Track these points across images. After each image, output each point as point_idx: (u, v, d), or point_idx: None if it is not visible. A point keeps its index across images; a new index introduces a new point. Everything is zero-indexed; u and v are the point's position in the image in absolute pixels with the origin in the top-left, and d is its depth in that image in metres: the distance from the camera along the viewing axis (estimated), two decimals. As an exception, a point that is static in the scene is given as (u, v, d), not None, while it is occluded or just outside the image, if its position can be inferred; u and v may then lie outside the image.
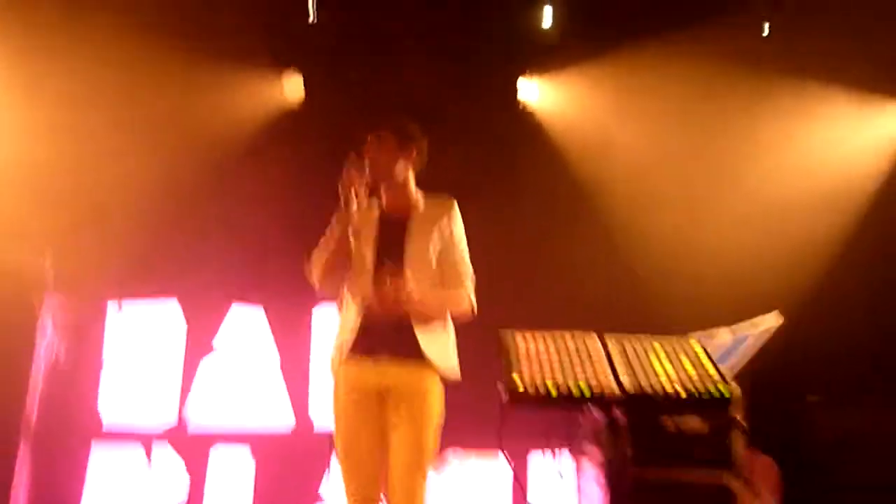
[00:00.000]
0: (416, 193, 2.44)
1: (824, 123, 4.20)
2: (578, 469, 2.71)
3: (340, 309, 2.41)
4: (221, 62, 4.18)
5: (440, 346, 2.29)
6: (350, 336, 2.28)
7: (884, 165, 4.26)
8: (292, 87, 4.37)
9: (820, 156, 4.22)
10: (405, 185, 2.42)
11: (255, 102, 4.29)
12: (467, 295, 2.32)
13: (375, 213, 2.40)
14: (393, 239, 2.35)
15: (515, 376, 1.79)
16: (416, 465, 2.18)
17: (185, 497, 3.81)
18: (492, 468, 3.75)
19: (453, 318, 2.32)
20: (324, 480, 3.86)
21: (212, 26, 4.06)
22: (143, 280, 4.01)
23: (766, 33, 4.20)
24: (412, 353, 2.23)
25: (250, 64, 4.30)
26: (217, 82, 4.16)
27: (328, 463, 3.86)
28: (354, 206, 2.30)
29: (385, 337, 2.24)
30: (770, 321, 2.43)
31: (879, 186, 4.20)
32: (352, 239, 2.30)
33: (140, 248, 3.95)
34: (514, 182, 3.88)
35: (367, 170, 2.34)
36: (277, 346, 4.02)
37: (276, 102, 4.33)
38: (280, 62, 4.36)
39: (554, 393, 1.74)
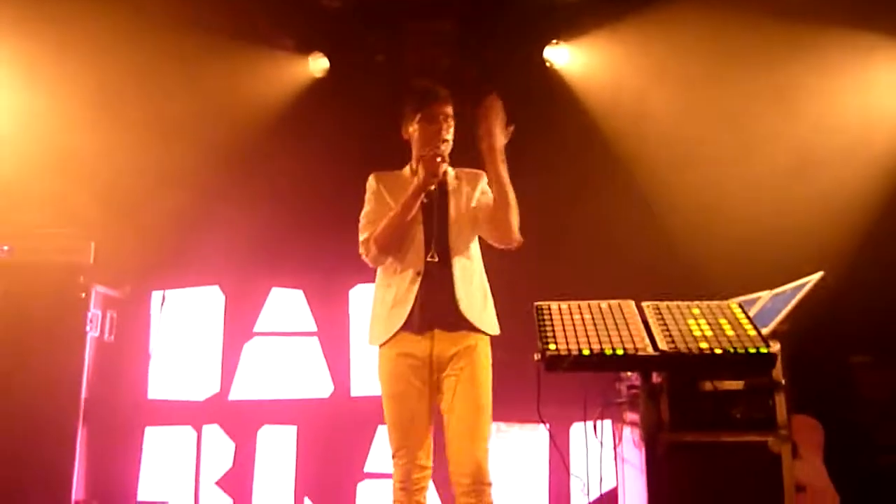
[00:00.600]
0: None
1: (861, 76, 4.04)
2: (619, 438, 2.72)
3: (381, 282, 2.51)
4: (248, 45, 4.23)
5: (481, 308, 2.42)
6: (400, 309, 2.38)
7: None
8: (318, 66, 4.40)
9: (857, 110, 4.06)
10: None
11: (281, 84, 4.33)
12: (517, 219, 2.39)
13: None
14: (436, 208, 2.44)
15: (551, 342, 1.80)
16: (478, 427, 2.30)
17: (230, 464, 3.91)
18: (533, 438, 3.78)
19: (505, 237, 2.40)
20: (369, 458, 3.94)
21: (237, 9, 4.11)
22: (184, 269, 4.11)
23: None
24: (460, 323, 2.36)
25: (275, 45, 4.34)
26: (245, 65, 4.21)
27: (372, 438, 3.94)
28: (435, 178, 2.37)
29: (435, 310, 2.36)
30: (814, 280, 2.37)
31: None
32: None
33: (179, 237, 4.05)
34: (545, 149, 3.85)
35: (444, 141, 2.43)
36: (317, 325, 4.09)
37: (302, 82, 4.36)
38: (305, 42, 4.39)
39: (587, 352, 1.74)
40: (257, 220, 4.11)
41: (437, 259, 2.39)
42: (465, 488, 2.26)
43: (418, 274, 2.39)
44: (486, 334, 2.42)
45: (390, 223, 2.41)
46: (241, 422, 3.97)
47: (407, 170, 2.61)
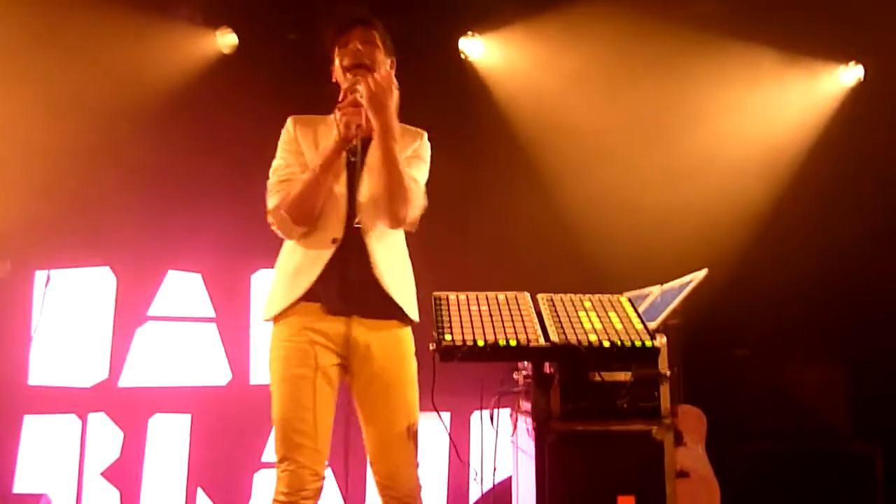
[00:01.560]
0: None
1: (761, 86, 4.30)
2: (515, 426, 2.77)
3: (287, 247, 2.09)
4: (153, 15, 4.01)
5: (408, 291, 2.03)
6: (302, 278, 1.97)
7: (815, 129, 4.39)
8: (226, 42, 4.23)
9: (755, 118, 4.33)
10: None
11: (187, 58, 4.14)
12: (416, 202, 2.03)
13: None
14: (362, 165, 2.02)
15: (447, 332, 1.80)
16: (413, 436, 1.97)
17: (118, 454, 3.74)
18: (432, 428, 3.80)
19: (397, 216, 2.01)
20: (267, 448, 3.85)
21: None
22: (72, 247, 3.87)
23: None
24: (385, 307, 1.97)
25: (183, 18, 4.14)
26: (148, 36, 3.99)
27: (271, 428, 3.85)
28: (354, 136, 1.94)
29: (355, 289, 1.95)
30: (699, 277, 2.49)
31: (810, 148, 4.34)
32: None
33: (67, 214, 3.81)
34: (455, 139, 3.87)
35: (359, 85, 1.97)
36: (216, 311, 3.95)
37: (208, 59, 4.19)
38: (214, 17, 4.21)
39: (481, 344, 1.76)
40: (154, 199, 3.93)
41: (362, 225, 2.00)
42: (398, 502, 1.96)
43: (334, 241, 1.97)
44: (411, 322, 2.03)
45: (305, 188, 1.96)
46: (131, 410, 3.79)
47: (332, 118, 2.09)
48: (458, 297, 1.99)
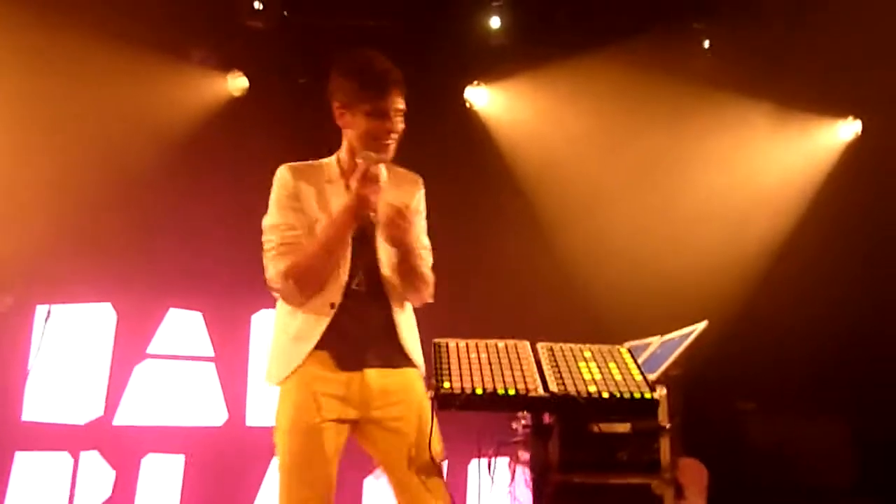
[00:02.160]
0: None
1: (759, 140, 4.36)
2: (513, 475, 2.73)
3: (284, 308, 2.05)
4: (166, 59, 4.10)
5: (416, 338, 2.05)
6: (303, 345, 1.96)
7: (814, 181, 4.44)
8: (236, 87, 4.32)
9: (755, 171, 4.38)
10: None
11: (197, 101, 4.21)
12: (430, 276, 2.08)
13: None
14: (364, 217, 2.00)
15: (445, 380, 1.79)
16: (442, 484, 1.95)
17: (109, 494, 3.68)
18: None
19: (423, 300, 2.08)
20: (261, 491, 3.79)
21: (154, 22, 3.99)
22: (75, 284, 3.88)
23: (706, 46, 4.34)
24: (396, 357, 1.99)
25: (195, 62, 4.23)
26: (161, 79, 4.07)
27: (266, 470, 3.80)
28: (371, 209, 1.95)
29: (363, 344, 1.97)
30: (700, 329, 2.49)
31: (811, 199, 4.37)
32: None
33: (71, 250, 3.83)
34: (457, 187, 3.92)
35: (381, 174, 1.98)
36: (215, 350, 3.93)
37: (218, 102, 4.27)
38: (225, 60, 4.31)
39: (479, 392, 1.74)
40: (158, 237, 3.95)
41: (363, 288, 2.00)
42: None
43: (332, 306, 1.97)
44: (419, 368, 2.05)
45: (316, 261, 1.96)
46: (125, 449, 3.75)
47: (333, 163, 2.12)
48: (457, 344, 1.98)
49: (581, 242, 4.05)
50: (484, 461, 2.73)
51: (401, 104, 2.04)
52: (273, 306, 4.00)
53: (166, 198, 4.00)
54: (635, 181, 4.21)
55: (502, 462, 2.78)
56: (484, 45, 4.40)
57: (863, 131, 4.48)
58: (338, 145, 2.17)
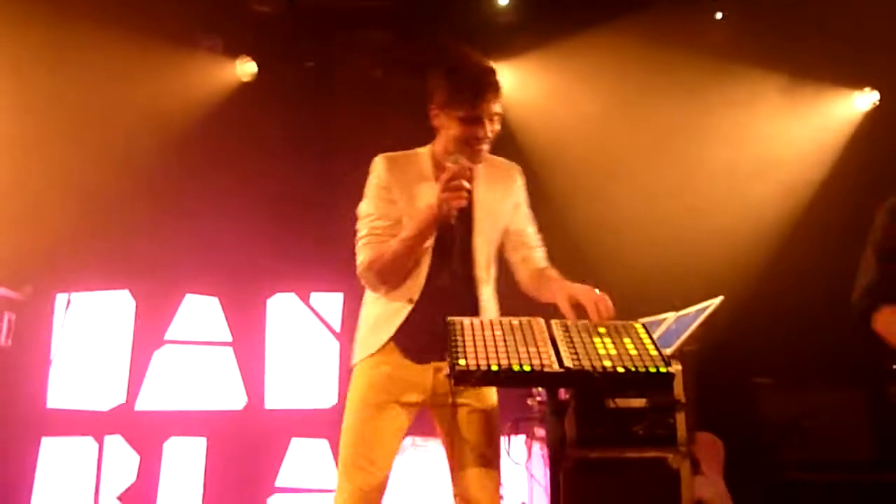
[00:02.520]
0: None
1: (775, 111, 4.30)
2: (529, 453, 2.75)
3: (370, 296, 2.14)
4: (175, 45, 4.11)
5: None
6: (385, 336, 2.06)
7: (831, 153, 4.38)
8: (245, 73, 4.32)
9: (770, 143, 4.32)
10: None
11: (207, 86, 4.23)
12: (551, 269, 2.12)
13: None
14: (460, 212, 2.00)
15: (461, 357, 1.80)
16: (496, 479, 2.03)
17: (134, 478, 3.75)
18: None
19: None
20: (281, 472, 3.85)
21: (162, 9, 3.99)
22: (92, 271, 3.93)
23: (718, 17, 4.28)
24: None
25: (203, 47, 4.24)
26: (170, 65, 4.09)
27: (285, 452, 3.86)
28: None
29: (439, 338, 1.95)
30: (715, 304, 2.48)
31: (827, 172, 4.32)
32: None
33: (88, 238, 3.87)
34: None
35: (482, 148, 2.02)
36: (233, 335, 3.97)
37: (229, 85, 4.27)
38: (234, 46, 4.31)
39: (495, 368, 1.75)
40: (173, 224, 3.98)
41: (447, 284, 2.07)
42: None
43: (410, 301, 2.05)
44: None
45: (397, 259, 2.02)
46: (147, 433, 3.81)
47: (426, 156, 2.14)
48: (472, 322, 1.98)
49: (594, 220, 4.03)
50: (501, 439, 2.74)
51: (496, 108, 2.07)
52: (290, 290, 4.03)
53: (180, 184, 4.03)
54: (649, 157, 4.18)
55: (519, 440, 2.80)
56: (492, 22, 4.36)
57: (880, 101, 4.40)
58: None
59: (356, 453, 2.02)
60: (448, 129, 2.07)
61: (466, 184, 1.94)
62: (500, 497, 2.08)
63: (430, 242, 2.05)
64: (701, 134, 4.24)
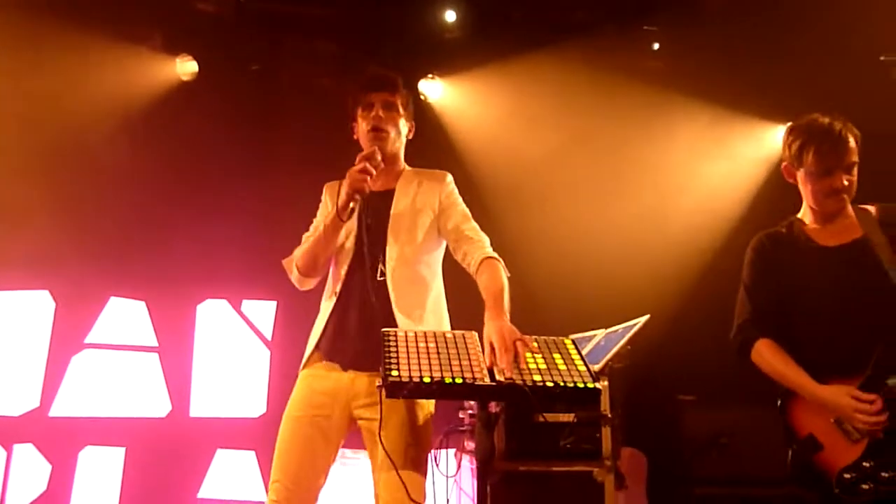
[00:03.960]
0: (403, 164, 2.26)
1: (706, 140, 4.48)
2: (459, 465, 2.76)
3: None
4: (112, 38, 3.97)
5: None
6: (313, 334, 2.12)
7: (755, 184, 4.59)
8: (186, 69, 4.22)
9: (700, 171, 4.50)
10: (397, 155, 2.24)
11: (143, 83, 4.10)
12: (497, 258, 2.13)
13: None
14: (378, 214, 2.11)
15: (394, 369, 1.79)
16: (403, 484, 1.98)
17: (44, 488, 3.57)
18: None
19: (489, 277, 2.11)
20: (204, 483, 3.73)
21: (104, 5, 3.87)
22: (12, 270, 3.73)
23: (655, 48, 4.45)
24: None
25: (142, 43, 4.11)
26: (106, 59, 3.94)
27: (210, 462, 3.75)
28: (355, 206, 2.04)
29: (359, 342, 2.05)
30: (642, 322, 2.56)
31: (751, 201, 4.52)
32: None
33: (8, 236, 3.68)
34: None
35: (377, 154, 2.07)
36: (158, 340, 3.84)
37: (167, 86, 4.16)
38: (174, 43, 4.20)
39: (427, 380, 1.75)
40: (99, 223, 3.83)
41: (383, 277, 2.10)
42: None
43: (334, 294, 2.12)
44: None
45: (310, 248, 2.14)
46: (61, 441, 3.63)
47: None
48: (406, 333, 1.98)
49: (527, 236, 4.09)
50: (431, 453, 2.74)
51: (386, 97, 2.17)
52: (221, 297, 3.93)
53: (109, 182, 3.88)
54: (583, 178, 4.29)
55: (449, 453, 2.80)
56: (439, 38, 4.41)
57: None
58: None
59: (275, 466, 2.04)
60: (360, 133, 2.21)
61: (370, 166, 2.03)
62: None
63: (349, 243, 2.13)
64: (635, 158, 4.38)
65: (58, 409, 3.66)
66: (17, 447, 3.58)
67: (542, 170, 4.23)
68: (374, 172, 2.04)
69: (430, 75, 4.45)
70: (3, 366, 3.66)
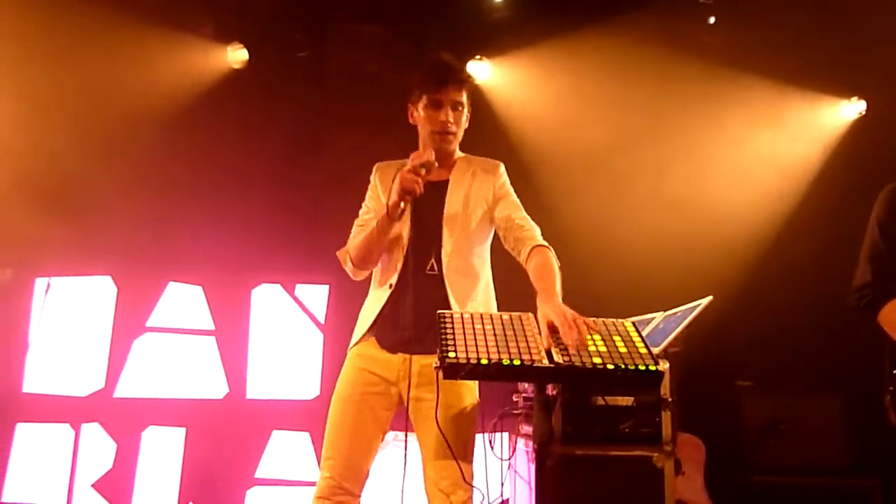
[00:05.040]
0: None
1: (764, 116, 4.33)
2: (513, 449, 2.74)
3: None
4: (165, 29, 4.05)
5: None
6: (364, 320, 2.17)
7: (818, 159, 4.42)
8: (237, 58, 4.27)
9: (758, 148, 4.35)
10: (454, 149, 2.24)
11: (196, 72, 4.17)
12: (548, 247, 2.14)
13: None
14: (432, 206, 2.15)
15: (451, 350, 1.79)
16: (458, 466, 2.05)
17: (110, 466, 3.70)
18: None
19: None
20: (261, 463, 3.82)
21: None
22: (76, 257, 3.87)
23: (711, 21, 4.31)
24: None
25: (193, 32, 4.18)
26: (159, 50, 4.03)
27: (266, 443, 3.83)
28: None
29: (411, 329, 2.09)
30: (704, 304, 2.49)
31: (814, 178, 4.36)
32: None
33: (71, 223, 3.81)
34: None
35: (433, 164, 2.08)
36: (215, 324, 3.93)
37: (218, 73, 4.22)
38: (225, 32, 4.26)
39: (485, 362, 1.74)
40: (158, 210, 3.94)
41: (436, 271, 2.14)
42: None
43: (390, 286, 2.15)
44: None
45: (363, 243, 2.17)
46: (125, 421, 3.76)
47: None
48: (462, 315, 1.98)
49: (583, 217, 4.03)
50: (485, 436, 2.74)
51: (460, 97, 2.18)
52: (275, 281, 4.00)
53: (167, 171, 3.98)
54: (639, 157, 4.19)
55: (502, 437, 2.79)
56: (487, 19, 4.36)
57: (867, 111, 4.45)
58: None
59: (327, 443, 2.12)
60: (420, 123, 2.22)
61: (424, 171, 2.06)
62: (469, 492, 2.08)
63: (404, 235, 2.15)
64: (692, 135, 4.26)
65: (122, 391, 3.79)
66: (84, 426, 3.72)
67: (593, 150, 4.14)
68: (427, 175, 2.07)
69: (477, 57, 4.40)
70: (70, 348, 3.80)
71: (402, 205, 2.08)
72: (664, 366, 1.99)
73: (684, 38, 4.17)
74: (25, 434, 3.69)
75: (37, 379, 3.75)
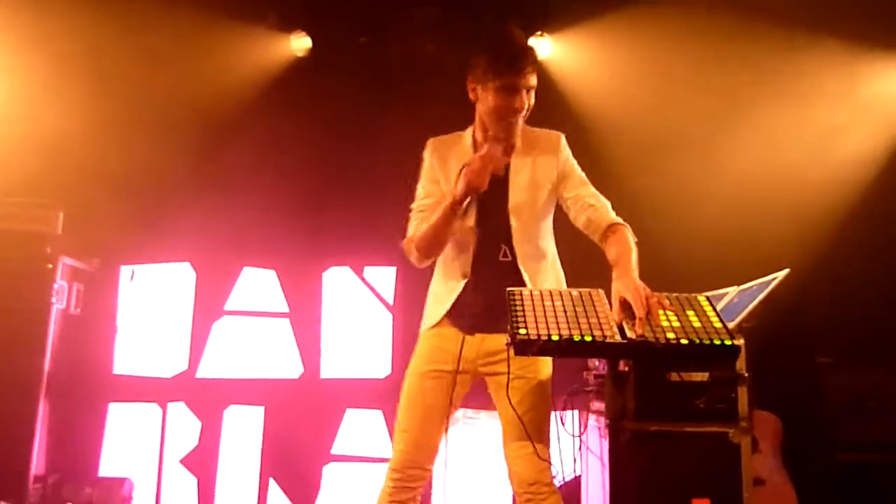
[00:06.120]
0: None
1: (840, 81, 4.12)
2: (584, 426, 2.75)
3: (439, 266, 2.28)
4: (229, 20, 4.17)
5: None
6: (442, 310, 2.20)
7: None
8: (300, 45, 4.36)
9: (835, 115, 4.15)
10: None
11: (262, 61, 4.28)
12: (623, 223, 2.14)
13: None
14: (496, 192, 2.11)
15: (521, 327, 1.80)
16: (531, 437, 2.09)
17: (196, 443, 3.88)
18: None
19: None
20: (336, 441, 3.94)
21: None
22: (155, 244, 4.06)
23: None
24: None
25: (257, 22, 4.28)
26: (225, 41, 4.16)
27: (340, 421, 3.95)
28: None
29: (488, 312, 2.12)
30: (780, 277, 2.42)
31: (892, 145, 4.14)
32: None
33: (151, 213, 4.01)
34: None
35: (501, 167, 2.09)
36: (289, 307, 4.06)
37: (283, 60, 4.32)
38: (287, 20, 4.34)
39: (556, 338, 1.75)
40: (232, 198, 4.08)
41: (509, 258, 2.16)
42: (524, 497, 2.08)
43: (464, 276, 2.18)
44: None
45: (427, 234, 2.16)
46: (208, 401, 3.94)
47: (468, 136, 2.26)
48: (531, 292, 1.99)
49: (653, 193, 3.94)
50: (556, 413, 2.74)
51: (532, 80, 2.11)
52: (344, 264, 4.08)
53: (237, 160, 4.12)
54: (709, 127, 4.06)
55: (573, 413, 2.79)
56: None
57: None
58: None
59: (401, 418, 2.18)
60: (484, 102, 2.14)
61: (490, 170, 2.04)
62: (549, 469, 2.11)
63: (470, 222, 2.15)
64: (763, 102, 4.10)
65: (203, 371, 3.97)
66: (170, 405, 3.93)
67: (661, 122, 4.03)
68: (489, 174, 2.05)
69: (538, 33, 4.34)
70: (155, 332, 4.00)
71: (467, 200, 2.08)
72: (739, 340, 1.95)
73: (752, 3, 3.99)
74: (117, 413, 3.92)
75: (126, 361, 3.96)
